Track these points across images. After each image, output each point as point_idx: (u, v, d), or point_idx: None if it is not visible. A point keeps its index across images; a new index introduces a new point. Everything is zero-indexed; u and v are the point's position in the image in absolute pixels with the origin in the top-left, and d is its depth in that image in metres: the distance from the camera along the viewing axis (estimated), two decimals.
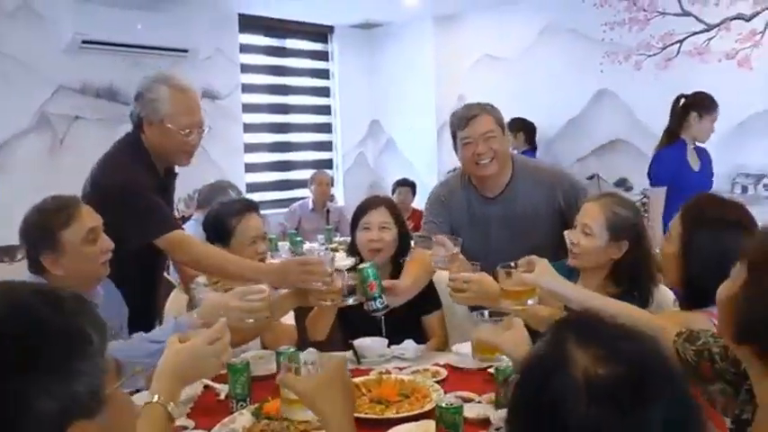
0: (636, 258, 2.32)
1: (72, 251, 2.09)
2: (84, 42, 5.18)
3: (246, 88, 6.53)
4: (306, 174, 6.61)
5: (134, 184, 2.50)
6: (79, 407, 0.82)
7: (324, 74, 7.30)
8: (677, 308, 2.17)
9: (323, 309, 2.55)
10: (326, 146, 7.37)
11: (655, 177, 4.34)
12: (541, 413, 0.88)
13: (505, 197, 2.82)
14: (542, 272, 2.00)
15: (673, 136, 4.34)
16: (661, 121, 5.52)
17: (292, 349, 2.24)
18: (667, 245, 2.03)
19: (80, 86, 5.35)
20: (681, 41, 5.49)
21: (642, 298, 2.31)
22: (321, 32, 7.23)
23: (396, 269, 2.83)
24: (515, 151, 5.96)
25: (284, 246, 5.31)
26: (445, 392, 2.11)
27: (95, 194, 2.48)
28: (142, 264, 2.62)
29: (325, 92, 7.32)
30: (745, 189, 5.24)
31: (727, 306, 1.26)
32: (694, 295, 1.92)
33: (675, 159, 4.28)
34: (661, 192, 4.24)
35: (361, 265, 2.38)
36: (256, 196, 6.55)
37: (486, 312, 2.00)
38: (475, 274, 2.27)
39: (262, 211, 6.44)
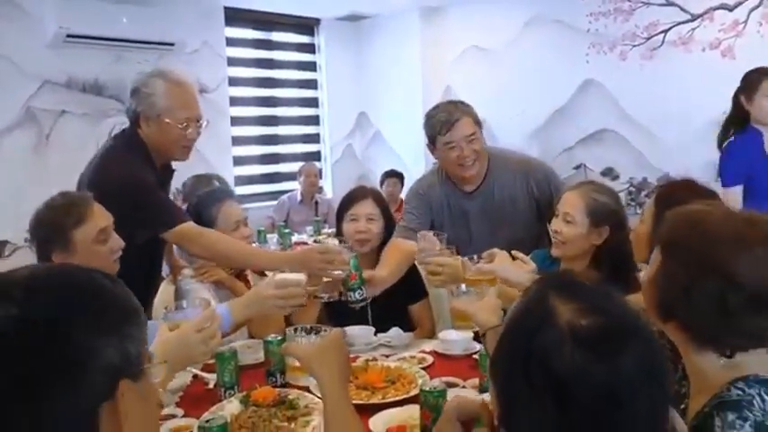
0: (617, 244, 2.36)
1: (83, 250, 2.09)
2: (68, 36, 5.15)
3: (234, 81, 6.52)
4: (294, 166, 6.63)
5: (139, 179, 2.49)
6: (129, 366, 0.93)
7: (311, 66, 7.30)
8: None
9: (309, 300, 2.57)
10: (314, 138, 7.37)
11: (729, 175, 3.63)
12: (531, 361, 0.98)
13: (483, 191, 2.86)
14: (500, 262, 2.12)
15: (739, 124, 3.70)
16: (646, 110, 5.60)
17: (279, 338, 2.26)
18: (640, 225, 2.15)
19: (65, 81, 5.33)
20: (665, 31, 5.53)
21: (624, 283, 2.32)
22: (308, 25, 7.22)
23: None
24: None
25: (273, 238, 5.33)
26: (431, 378, 2.14)
27: (98, 192, 2.44)
28: (143, 259, 2.60)
29: (312, 84, 7.32)
30: None
31: (649, 288, 1.37)
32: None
33: (752, 149, 3.59)
34: (738, 191, 3.56)
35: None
36: (245, 189, 6.60)
37: (462, 285, 2.05)
38: (449, 257, 2.36)
39: (250, 204, 6.55)
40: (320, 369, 1.61)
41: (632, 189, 5.72)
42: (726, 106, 5.24)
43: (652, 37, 5.59)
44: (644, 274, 1.42)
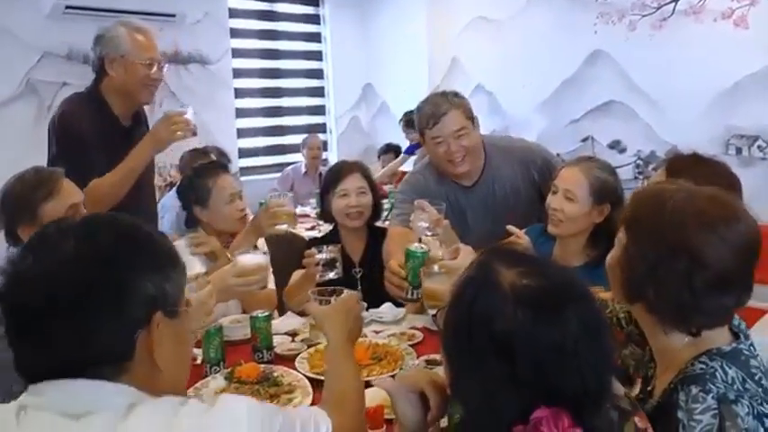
0: (616, 221, 2.30)
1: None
2: (67, 8, 5.11)
3: (237, 53, 6.46)
4: (299, 138, 6.57)
5: (75, 133, 2.62)
6: (165, 302, 1.09)
7: (316, 37, 7.21)
8: None
9: (301, 281, 2.57)
10: (319, 110, 7.31)
11: None
12: (475, 322, 1.03)
13: (482, 185, 2.74)
14: (464, 257, 2.00)
15: None
16: (655, 82, 5.47)
17: (266, 313, 2.23)
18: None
19: (66, 52, 5.29)
20: (676, 1, 5.38)
21: None
22: None
23: (371, 233, 2.84)
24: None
25: None
26: (419, 356, 2.11)
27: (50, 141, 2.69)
28: None
29: (317, 56, 7.24)
30: (739, 150, 5.17)
31: (615, 270, 1.36)
32: None
33: None
34: None
35: (417, 249, 2.08)
36: (249, 161, 6.58)
37: (435, 266, 1.98)
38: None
39: (254, 176, 6.50)
40: (331, 328, 1.67)
41: (639, 162, 5.62)
42: (737, 77, 5.17)
43: (662, 6, 5.44)
44: (608, 257, 1.41)
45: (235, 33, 6.43)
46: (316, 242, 2.82)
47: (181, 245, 2.72)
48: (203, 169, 2.79)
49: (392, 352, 2.12)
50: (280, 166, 6.55)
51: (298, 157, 6.47)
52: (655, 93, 5.49)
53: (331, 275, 2.42)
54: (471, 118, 2.63)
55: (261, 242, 2.79)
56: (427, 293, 1.94)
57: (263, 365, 2.08)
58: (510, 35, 6.23)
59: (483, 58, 6.33)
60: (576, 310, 1.01)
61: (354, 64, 7.30)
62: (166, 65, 2.81)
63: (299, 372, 2.02)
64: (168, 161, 5.52)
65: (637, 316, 1.38)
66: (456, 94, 2.66)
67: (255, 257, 2.25)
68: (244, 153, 6.57)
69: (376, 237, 2.84)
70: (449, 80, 6.66)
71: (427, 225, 2.29)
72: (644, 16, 5.50)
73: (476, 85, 6.44)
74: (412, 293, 2.07)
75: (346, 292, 1.94)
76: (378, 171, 5.93)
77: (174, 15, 5.70)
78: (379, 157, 6.29)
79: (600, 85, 5.75)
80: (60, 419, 0.99)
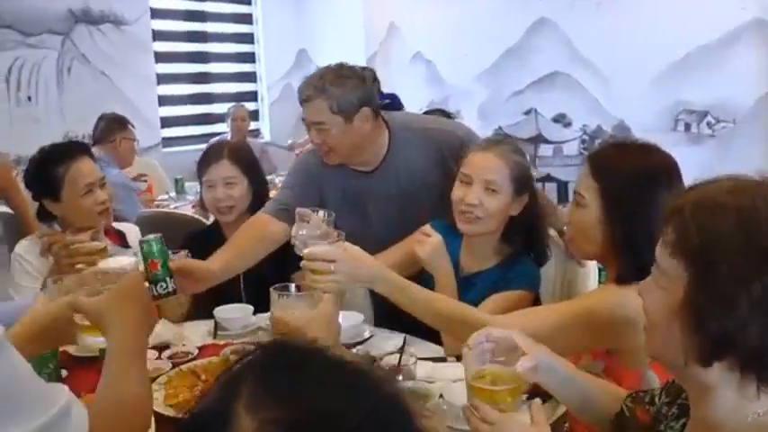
0: (533, 212, 2.00)
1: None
2: None
3: (157, 14, 5.94)
4: (227, 107, 6.12)
5: None
6: None
7: None
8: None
9: None
10: (250, 77, 6.84)
11: None
12: None
13: (385, 169, 2.30)
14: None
15: None
16: (602, 52, 5.17)
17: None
18: (581, 211, 1.58)
19: None
20: None
21: (538, 254, 2.05)
22: None
23: None
24: None
25: (193, 187, 4.87)
26: None
27: None
28: None
29: (247, 19, 6.74)
30: (687, 126, 4.92)
31: (673, 323, 0.96)
32: (632, 264, 1.47)
33: None
34: None
35: (143, 238, 1.74)
36: (172, 131, 6.14)
37: (292, 286, 1.64)
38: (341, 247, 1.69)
39: (178, 147, 6.04)
40: (112, 323, 1.25)
41: (585, 138, 5.34)
42: (687, 48, 4.89)
43: None
44: (653, 305, 1.02)
45: None
46: (194, 237, 2.44)
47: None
48: (50, 155, 2.30)
49: None
50: (206, 137, 6.07)
51: (225, 127, 6.03)
52: (602, 64, 5.21)
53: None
54: (345, 112, 2.15)
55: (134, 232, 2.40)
56: (277, 324, 1.58)
57: None
58: (452, 0, 5.85)
59: (422, 25, 5.95)
60: None
61: (287, 28, 6.84)
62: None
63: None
64: (78, 130, 5.04)
65: (706, 381, 0.98)
66: (341, 78, 2.15)
67: (124, 259, 1.87)
68: (166, 122, 6.09)
69: None
70: (386, 47, 6.27)
71: (312, 240, 1.79)
72: None
73: (414, 53, 6.07)
74: (158, 288, 1.65)
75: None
76: None
77: None
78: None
79: (544, 55, 5.45)
80: None
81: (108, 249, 2.06)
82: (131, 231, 2.42)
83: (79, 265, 1.97)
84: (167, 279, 1.67)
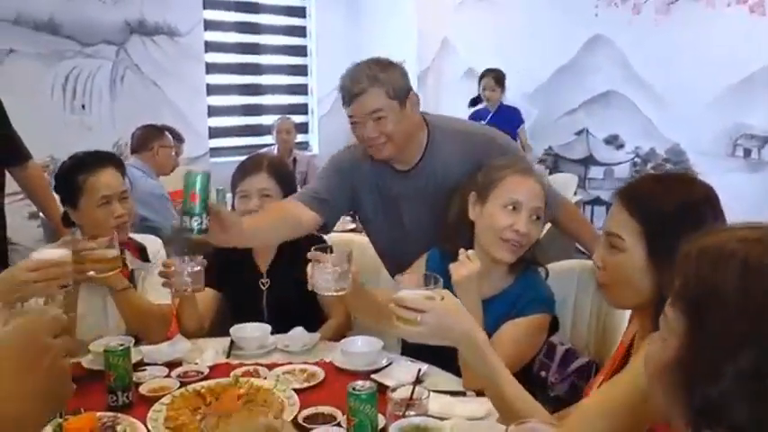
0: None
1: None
2: None
3: (210, 25, 6.00)
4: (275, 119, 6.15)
5: None
6: None
7: (300, 12, 6.73)
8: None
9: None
10: (301, 89, 6.84)
11: None
12: None
13: (421, 170, 2.25)
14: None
15: None
16: (659, 72, 4.99)
17: (124, 345, 1.79)
18: (621, 256, 1.40)
19: (14, 17, 4.86)
20: None
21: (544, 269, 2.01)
22: None
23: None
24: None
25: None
26: (303, 406, 1.68)
27: None
28: None
29: (301, 32, 6.76)
30: (747, 152, 4.69)
31: (661, 380, 0.87)
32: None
33: None
34: None
35: (191, 169, 1.83)
36: (219, 142, 6.18)
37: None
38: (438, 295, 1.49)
39: (226, 158, 6.08)
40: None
41: (637, 160, 5.15)
42: (750, 69, 4.67)
43: None
44: (651, 355, 0.91)
45: (208, 4, 5.99)
46: (220, 247, 2.39)
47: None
48: (76, 162, 2.27)
49: (271, 401, 1.68)
50: (253, 148, 6.09)
51: (272, 140, 6.03)
52: (658, 84, 5.02)
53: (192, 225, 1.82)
54: (399, 97, 2.14)
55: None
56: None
57: (107, 416, 1.65)
58: (504, 15, 5.77)
59: (475, 40, 5.87)
60: None
61: (340, 42, 6.80)
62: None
63: (146, 428, 1.59)
64: (120, 136, 5.12)
65: None
66: (386, 66, 2.16)
67: (56, 251, 1.87)
68: (214, 132, 6.14)
69: (290, 242, 2.40)
70: (438, 63, 6.21)
71: (330, 278, 1.75)
72: None
73: (466, 69, 5.98)
74: (192, 222, 1.73)
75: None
76: None
77: None
78: None
79: (599, 74, 5.29)
80: None
81: (119, 259, 2.02)
82: (153, 244, 2.38)
83: (90, 273, 1.95)
84: (203, 216, 1.74)
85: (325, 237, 2.58)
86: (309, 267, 1.75)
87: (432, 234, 2.11)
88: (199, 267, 1.97)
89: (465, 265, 1.80)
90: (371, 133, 2.12)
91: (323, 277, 1.73)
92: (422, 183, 2.25)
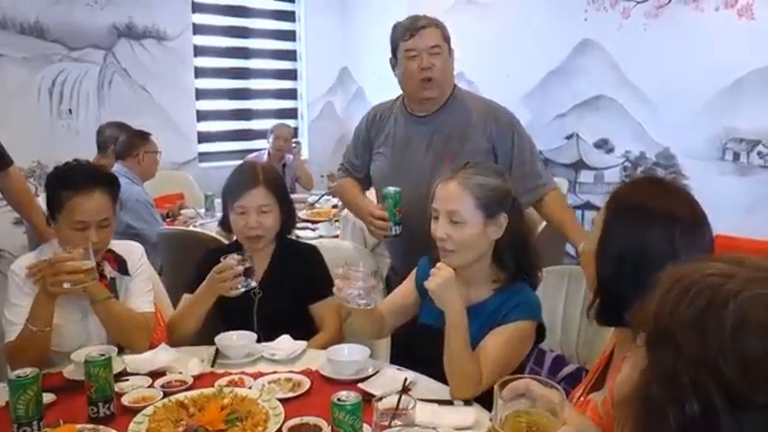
0: (518, 232, 1.92)
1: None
2: None
3: (199, 29, 5.96)
4: (266, 123, 6.12)
5: None
6: None
7: (289, 16, 6.68)
8: None
9: (194, 307, 2.26)
10: (291, 94, 6.79)
11: None
12: None
13: (435, 118, 2.60)
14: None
15: None
16: (649, 76, 4.97)
17: (105, 357, 1.76)
18: (588, 240, 1.47)
19: (0, 21, 4.82)
20: None
21: (532, 278, 1.98)
22: None
23: (279, 247, 2.37)
24: None
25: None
26: (288, 416, 1.65)
27: None
28: None
29: (290, 36, 6.71)
30: (736, 156, 4.67)
31: (621, 412, 0.87)
32: (607, 307, 1.40)
33: None
34: None
35: (389, 190, 2.43)
36: (208, 146, 6.13)
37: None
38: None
39: (215, 163, 6.04)
40: None
41: (627, 164, 5.13)
42: (739, 73, 4.66)
43: None
44: (618, 390, 0.93)
45: (197, 8, 5.94)
46: (218, 254, 2.34)
47: None
48: (65, 175, 2.15)
49: (255, 412, 1.65)
50: (243, 153, 6.06)
51: (264, 144, 5.99)
52: (648, 88, 5.00)
53: (253, 284, 2.18)
54: (449, 44, 2.60)
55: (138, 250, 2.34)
56: None
57: (87, 428, 1.62)
58: (495, 20, 5.75)
59: (465, 44, 5.75)
60: None
61: (330, 46, 6.78)
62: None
63: None
64: None
65: None
66: (437, 19, 2.65)
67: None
68: (203, 137, 6.09)
69: (285, 252, 2.38)
70: None
71: (359, 293, 1.85)
72: (638, 3, 5.00)
73: (457, 73, 5.90)
74: (393, 230, 2.42)
75: None
76: None
77: None
78: None
79: (588, 78, 5.26)
80: None
81: (95, 270, 1.97)
82: (133, 254, 2.30)
83: (66, 285, 1.92)
84: (398, 225, 2.42)
85: (315, 243, 2.58)
86: (338, 282, 1.84)
87: (430, 176, 2.15)
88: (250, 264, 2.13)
89: (436, 276, 1.82)
90: (427, 63, 2.49)
91: (352, 292, 1.83)
92: (432, 129, 2.58)
